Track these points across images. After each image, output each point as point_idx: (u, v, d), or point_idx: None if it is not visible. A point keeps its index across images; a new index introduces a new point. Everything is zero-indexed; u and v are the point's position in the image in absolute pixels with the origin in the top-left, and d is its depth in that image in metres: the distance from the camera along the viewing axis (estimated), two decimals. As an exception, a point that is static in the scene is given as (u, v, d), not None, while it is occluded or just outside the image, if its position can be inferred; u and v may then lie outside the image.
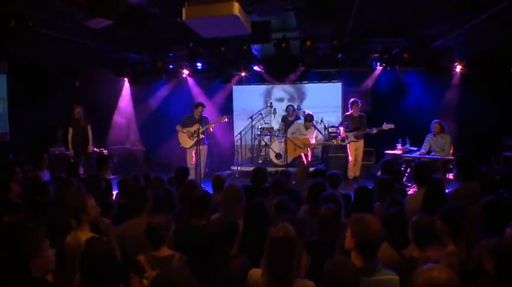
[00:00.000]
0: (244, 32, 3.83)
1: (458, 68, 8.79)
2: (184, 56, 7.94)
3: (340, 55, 8.20)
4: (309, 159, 7.83)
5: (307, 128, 7.72)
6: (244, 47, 6.64)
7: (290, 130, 7.91)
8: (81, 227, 3.26)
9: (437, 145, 7.25)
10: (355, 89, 10.40)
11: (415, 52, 7.16)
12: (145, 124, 10.58)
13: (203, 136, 7.92)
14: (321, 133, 8.49)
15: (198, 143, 7.74)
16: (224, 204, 3.73)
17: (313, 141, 7.78)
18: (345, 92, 10.37)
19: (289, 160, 8.19)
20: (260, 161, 9.33)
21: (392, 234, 3.01)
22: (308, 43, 6.56)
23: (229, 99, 10.72)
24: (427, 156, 7.11)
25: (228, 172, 9.42)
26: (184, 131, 7.82)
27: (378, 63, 8.26)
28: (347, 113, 8.18)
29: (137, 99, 10.41)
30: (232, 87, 10.64)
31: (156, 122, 10.25)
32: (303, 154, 7.71)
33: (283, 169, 5.66)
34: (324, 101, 10.13)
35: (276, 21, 6.27)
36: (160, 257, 2.71)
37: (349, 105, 8.08)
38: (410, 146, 7.97)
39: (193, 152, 7.88)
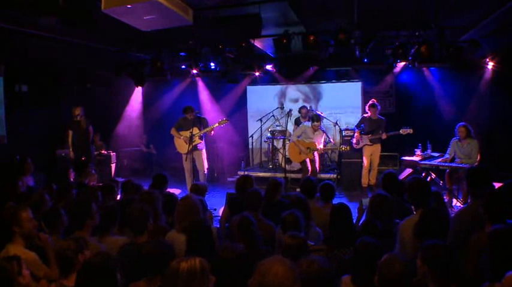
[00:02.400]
0: (183, 23, 3.39)
1: (490, 65, 7.82)
2: (190, 55, 7.54)
3: (357, 52, 7.55)
4: (316, 166, 7.20)
5: (314, 131, 7.10)
6: (243, 45, 6.13)
7: (296, 133, 7.33)
8: (13, 242, 2.96)
9: (462, 151, 6.40)
10: (377, 88, 9.67)
11: (436, 46, 6.34)
12: (155, 126, 10.37)
13: (201, 141, 7.26)
14: (329, 138, 7.80)
15: (194, 148, 7.14)
16: (178, 219, 3.29)
17: (320, 146, 7.14)
18: (366, 91, 9.64)
19: (298, 166, 7.62)
20: (270, 166, 8.80)
21: (358, 270, 2.43)
22: (311, 38, 5.96)
23: (243, 99, 10.28)
24: (448, 164, 6.29)
25: (238, 177, 8.90)
26: (181, 136, 7.18)
27: (393, 60, 7.44)
28: (364, 115, 7.47)
29: (147, 100, 10.23)
30: (246, 87, 10.20)
31: (166, 124, 9.97)
32: (308, 160, 7.10)
33: (272, 177, 5.04)
34: (342, 101, 9.46)
35: (277, 15, 5.76)
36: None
37: (367, 108, 7.38)
38: (432, 151, 7.16)
39: (190, 158, 7.27)
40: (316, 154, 7.21)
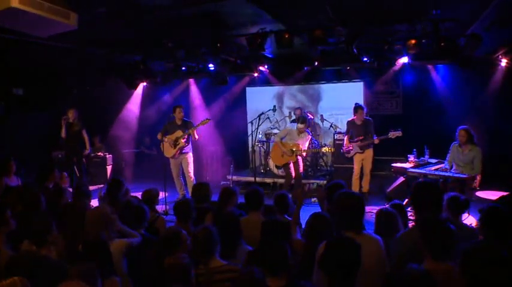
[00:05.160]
0: (66, 28, 3.17)
1: (504, 62, 7.06)
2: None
3: (355, 50, 7.07)
4: (300, 169, 6.80)
5: (299, 133, 6.72)
6: (218, 45, 5.87)
7: (280, 134, 6.97)
8: None
9: (461, 158, 5.75)
10: (383, 88, 9.11)
11: (429, 42, 5.76)
12: (154, 128, 10.31)
13: (186, 144, 7.04)
14: (316, 143, 7.34)
15: (180, 151, 6.99)
16: (86, 230, 3.09)
17: (304, 148, 6.73)
18: (371, 92, 9.10)
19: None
20: (262, 171, 8.49)
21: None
22: (286, 36, 5.60)
23: (242, 101, 10.01)
24: (438, 173, 5.67)
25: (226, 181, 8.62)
26: (166, 139, 7.01)
27: (383, 57, 6.89)
28: (349, 120, 7.01)
29: (146, 102, 10.18)
30: (245, 88, 9.94)
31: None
32: (291, 163, 6.71)
33: (226, 185, 4.74)
34: (344, 102, 8.92)
35: (249, 12, 5.45)
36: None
37: (352, 111, 6.91)
38: (431, 157, 6.55)
39: (178, 162, 7.16)
40: (299, 158, 6.81)
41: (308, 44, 6.17)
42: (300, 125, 6.64)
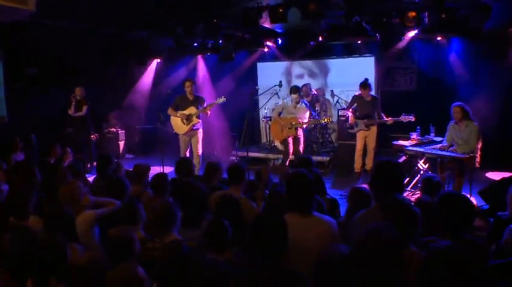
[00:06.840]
0: (24, 14, 3.19)
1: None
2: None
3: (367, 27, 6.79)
4: (300, 147, 6.75)
5: (296, 105, 6.61)
6: (215, 20, 5.81)
7: (276, 110, 6.91)
8: None
9: (459, 135, 5.52)
10: (398, 64, 8.77)
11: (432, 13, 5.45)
12: (165, 103, 10.46)
13: (199, 120, 6.95)
14: (314, 113, 7.15)
15: (191, 128, 6.87)
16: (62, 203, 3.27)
17: (304, 120, 6.64)
18: (385, 67, 8.80)
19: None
20: (267, 146, 8.50)
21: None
22: (280, 10, 5.47)
23: (253, 76, 9.95)
24: (435, 151, 5.47)
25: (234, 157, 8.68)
26: (178, 114, 6.88)
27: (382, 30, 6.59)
28: (356, 94, 6.83)
29: (159, 78, 10.28)
30: (256, 63, 9.86)
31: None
32: (290, 140, 6.67)
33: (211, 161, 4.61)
34: (354, 78, 8.64)
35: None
36: None
37: (360, 86, 6.72)
38: (436, 135, 6.34)
39: (188, 139, 7.09)
40: (300, 135, 6.75)
41: (303, 18, 5.99)
42: (293, 95, 6.53)
